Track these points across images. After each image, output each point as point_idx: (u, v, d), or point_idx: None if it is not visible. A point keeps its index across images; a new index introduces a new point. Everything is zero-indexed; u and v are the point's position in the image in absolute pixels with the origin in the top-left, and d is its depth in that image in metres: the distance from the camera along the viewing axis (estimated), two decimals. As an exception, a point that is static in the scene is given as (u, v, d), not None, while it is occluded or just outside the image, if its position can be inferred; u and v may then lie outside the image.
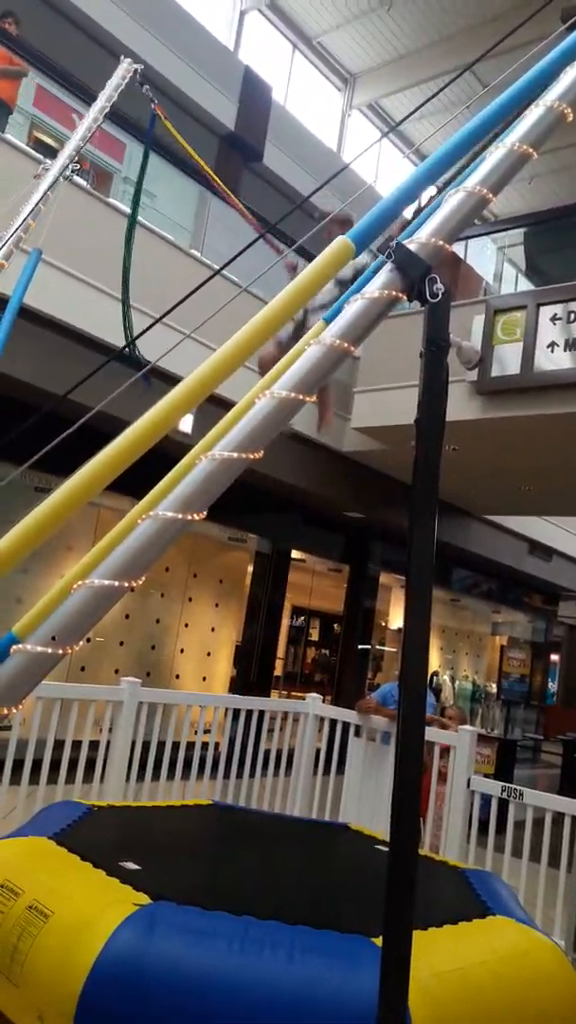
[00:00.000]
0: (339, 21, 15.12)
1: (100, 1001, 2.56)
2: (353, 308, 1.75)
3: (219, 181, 7.64)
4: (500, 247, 11.62)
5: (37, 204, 4.40)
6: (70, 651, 1.54)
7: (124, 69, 5.17)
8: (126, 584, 1.55)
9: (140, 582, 1.58)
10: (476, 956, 2.95)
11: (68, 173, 4.70)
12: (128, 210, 7.92)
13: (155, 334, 3.22)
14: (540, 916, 4.80)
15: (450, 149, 2.02)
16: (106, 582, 1.54)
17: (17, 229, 4.25)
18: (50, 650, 1.50)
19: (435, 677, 15.59)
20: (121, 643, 9.37)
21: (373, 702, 6.34)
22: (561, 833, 4.96)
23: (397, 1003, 1.67)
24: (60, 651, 1.51)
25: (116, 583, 1.54)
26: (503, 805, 5.33)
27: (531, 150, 1.90)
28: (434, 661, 16.01)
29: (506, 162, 1.89)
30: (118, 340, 6.64)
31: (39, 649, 1.49)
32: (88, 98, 8.59)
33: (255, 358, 1.88)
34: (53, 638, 1.50)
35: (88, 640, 8.88)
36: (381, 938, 1.66)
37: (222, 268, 3.30)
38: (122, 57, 5.31)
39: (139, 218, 6.35)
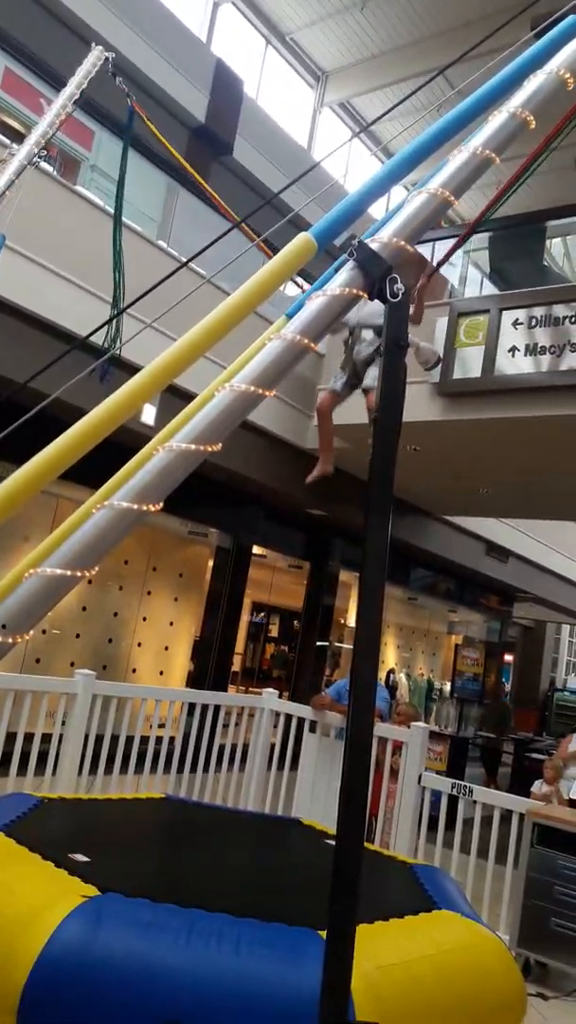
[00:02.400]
0: (313, 18, 15.10)
1: (45, 994, 2.54)
2: (314, 304, 1.76)
3: (198, 177, 7.58)
4: (466, 251, 11.72)
5: (4, 190, 4.34)
6: (20, 640, 1.53)
7: (95, 56, 5.11)
8: (79, 573, 1.55)
9: (93, 572, 1.57)
10: (421, 949, 2.99)
11: (35, 159, 4.64)
12: (96, 199, 7.85)
13: (122, 324, 3.20)
14: (486, 912, 4.88)
15: (415, 150, 2.04)
16: (58, 571, 1.53)
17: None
18: (0, 638, 1.49)
19: (391, 675, 15.73)
20: (77, 636, 9.29)
21: (327, 698, 6.38)
22: (509, 831, 5.04)
23: (339, 995, 1.69)
24: (10, 640, 1.50)
25: (68, 572, 1.53)
26: (453, 802, 5.40)
27: (493, 155, 1.93)
28: (391, 659, 16.14)
29: (469, 166, 1.92)
30: (79, 328, 6.57)
31: (-12, 637, 1.48)
32: (57, 83, 8.48)
33: (216, 350, 1.88)
34: (3, 626, 1.49)
35: (44, 632, 8.78)
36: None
37: (191, 259, 3.28)
38: (93, 44, 5.26)
39: (103, 205, 6.28)
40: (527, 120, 2.01)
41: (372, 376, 3.77)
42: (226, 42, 14.52)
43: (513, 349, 7.53)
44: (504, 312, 7.69)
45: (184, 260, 2.69)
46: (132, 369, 1.99)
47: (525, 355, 7.46)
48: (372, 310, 3.88)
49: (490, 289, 11.37)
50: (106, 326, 5.08)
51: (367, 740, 1.75)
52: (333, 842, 1.67)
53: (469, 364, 7.81)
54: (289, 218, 2.42)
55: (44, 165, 6.33)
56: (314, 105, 16.80)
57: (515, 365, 7.51)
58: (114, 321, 5.13)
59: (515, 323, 7.59)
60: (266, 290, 1.82)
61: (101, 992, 2.57)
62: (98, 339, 4.85)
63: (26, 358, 6.34)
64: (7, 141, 6.43)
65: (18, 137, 6.43)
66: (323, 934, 2.66)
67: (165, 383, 1.78)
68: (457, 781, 5.51)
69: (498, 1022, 3.10)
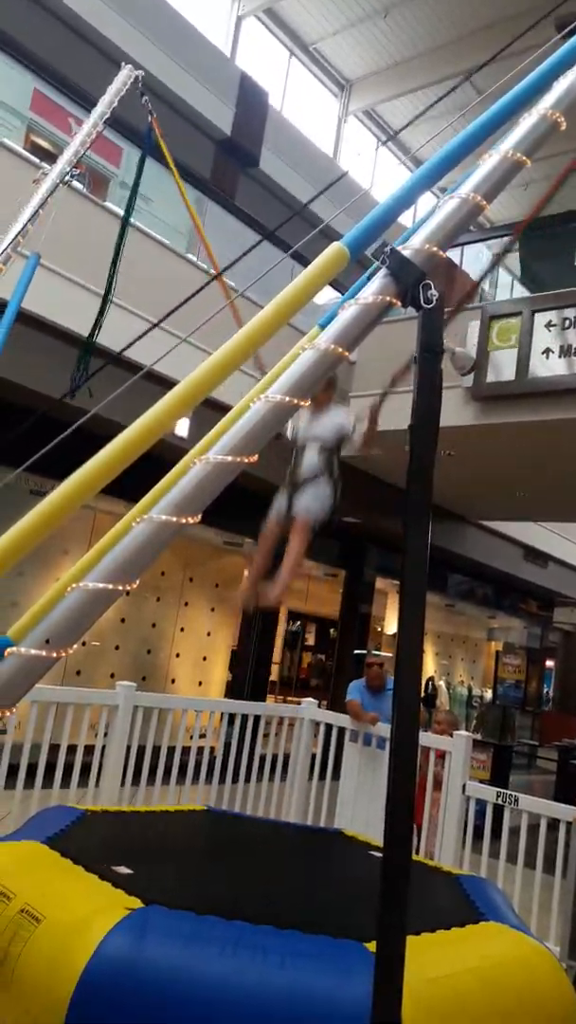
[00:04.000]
0: (336, 28, 15.17)
1: (91, 1006, 2.55)
2: (347, 313, 1.76)
3: (194, 213, 7.47)
4: (495, 253, 11.65)
5: (37, 209, 4.41)
6: (64, 654, 1.54)
7: (125, 75, 5.18)
8: (120, 587, 1.55)
9: (134, 585, 1.58)
10: (468, 962, 2.94)
11: (67, 178, 4.72)
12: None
13: (153, 338, 3.22)
14: (535, 922, 4.80)
15: (445, 156, 2.03)
16: (100, 585, 1.54)
17: (18, 234, 4.26)
18: (44, 653, 1.50)
19: (431, 682, 15.60)
20: (117, 647, 9.35)
21: (358, 706, 6.34)
22: (556, 839, 4.95)
23: (390, 1008, 1.67)
24: (54, 654, 1.51)
25: (110, 586, 1.54)
26: (498, 811, 5.32)
27: (524, 158, 1.91)
28: (430, 666, 16.01)
29: (499, 170, 1.90)
30: (115, 345, 6.63)
31: (33, 652, 1.49)
32: (86, 103, 8.60)
33: (251, 362, 1.88)
34: (47, 641, 1.51)
35: (84, 644, 8.86)
36: (374, 943, 1.66)
37: (219, 274, 3.31)
38: (123, 64, 5.33)
39: (135, 221, 6.34)
40: (558, 121, 1.99)
41: (307, 498, 3.46)
42: (250, 55, 14.64)
43: (547, 351, 7.46)
44: (536, 314, 7.62)
45: (215, 273, 2.71)
46: (165, 383, 2.00)
47: (559, 357, 7.38)
48: (323, 426, 3.59)
49: (521, 291, 11.27)
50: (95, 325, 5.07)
51: (412, 751, 1.74)
52: (377, 854, 1.66)
53: (502, 367, 7.74)
54: (320, 228, 2.42)
55: (76, 184, 6.42)
56: (339, 114, 16.85)
57: (549, 367, 7.43)
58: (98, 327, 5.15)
59: (548, 325, 7.52)
60: (300, 301, 1.82)
61: (146, 1005, 2.57)
62: (134, 352, 4.89)
63: (61, 374, 6.42)
64: (37, 161, 6.53)
65: (48, 157, 6.53)
66: (368, 946, 2.65)
67: (202, 396, 1.79)
68: (502, 790, 5.44)
69: (550, 1036, 3.04)
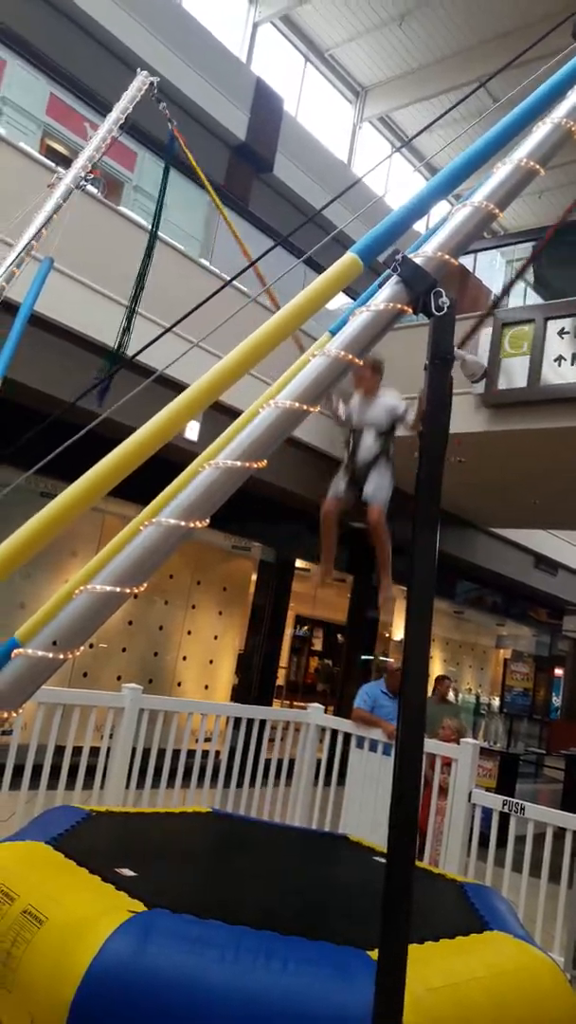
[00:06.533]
0: (351, 34, 15.21)
1: (92, 1008, 2.55)
2: (358, 320, 1.76)
3: (224, 214, 7.59)
4: (509, 261, 11.65)
5: (52, 213, 4.44)
6: (71, 656, 1.55)
7: (140, 81, 5.22)
8: (127, 590, 1.56)
9: (142, 588, 1.59)
10: (471, 971, 2.93)
11: (81, 183, 4.75)
12: (140, 220, 7.98)
13: (165, 342, 3.24)
14: (539, 932, 4.77)
15: (459, 166, 2.03)
16: (107, 588, 1.54)
17: (32, 238, 4.29)
18: (51, 655, 1.50)
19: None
20: (124, 649, 9.37)
21: (366, 713, 6.33)
22: (562, 849, 4.93)
23: (391, 1017, 1.66)
24: (61, 656, 1.52)
25: (118, 589, 1.55)
26: (504, 819, 5.30)
27: (538, 167, 1.91)
28: (437, 673, 15.95)
29: (513, 178, 1.90)
30: (129, 349, 6.66)
31: (40, 654, 1.50)
32: (100, 107, 8.65)
33: (261, 367, 1.89)
34: (54, 643, 1.51)
35: (91, 646, 8.88)
36: (376, 951, 1.66)
37: (231, 280, 3.32)
38: (139, 70, 5.37)
39: (146, 225, 6.38)
40: (572, 130, 1.99)
41: (373, 485, 3.71)
42: (266, 61, 14.70)
43: (559, 359, 7.44)
44: (549, 321, 7.61)
45: (228, 279, 2.72)
46: (176, 386, 2.01)
47: (572, 364, 7.37)
48: (376, 411, 3.85)
49: (534, 299, 11.26)
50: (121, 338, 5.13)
51: (418, 757, 1.73)
52: (382, 859, 1.65)
53: (514, 375, 7.73)
54: (333, 235, 2.43)
55: (90, 188, 6.47)
56: (354, 120, 16.89)
57: (561, 375, 7.42)
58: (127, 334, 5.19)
59: (561, 332, 7.50)
60: (311, 309, 1.82)
61: (147, 1008, 2.57)
62: (145, 356, 4.91)
63: (71, 376, 6.46)
64: (52, 165, 6.58)
65: (63, 162, 6.58)
66: (371, 954, 2.64)
67: (211, 400, 1.80)
68: (508, 798, 5.41)
69: (553, 1048, 3.02)
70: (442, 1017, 2.65)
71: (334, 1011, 2.53)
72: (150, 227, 6.03)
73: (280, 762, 6.45)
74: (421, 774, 1.74)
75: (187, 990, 2.57)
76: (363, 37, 15.19)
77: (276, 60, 15.07)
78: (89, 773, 5.19)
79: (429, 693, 7.05)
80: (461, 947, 3.13)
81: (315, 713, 6.70)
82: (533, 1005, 2.98)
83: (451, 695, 9.72)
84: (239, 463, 1.63)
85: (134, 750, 5.32)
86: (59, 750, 5.00)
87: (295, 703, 12.64)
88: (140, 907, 2.88)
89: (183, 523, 1.58)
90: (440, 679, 8.95)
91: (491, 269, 11.76)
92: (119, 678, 8.75)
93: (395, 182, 16.87)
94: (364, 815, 5.89)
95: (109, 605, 1.55)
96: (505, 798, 5.43)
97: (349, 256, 1.83)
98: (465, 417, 7.72)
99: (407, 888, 1.65)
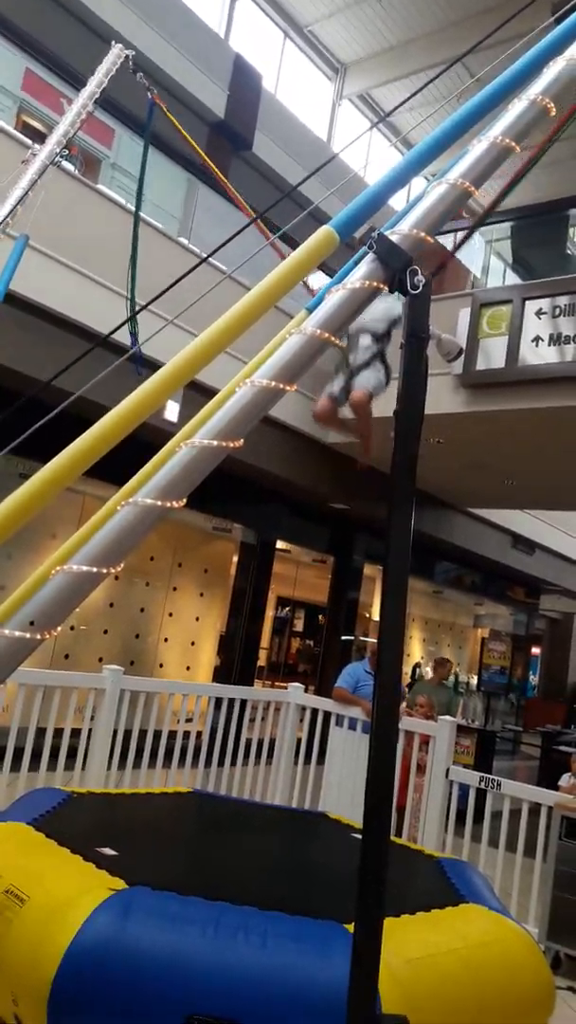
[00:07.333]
0: (331, 10, 15.03)
1: (73, 985, 2.57)
2: (334, 298, 1.76)
3: (216, 170, 7.59)
4: (488, 240, 11.63)
5: (27, 191, 4.37)
6: (49, 636, 1.54)
7: (115, 55, 5.12)
8: (104, 570, 1.56)
9: (119, 568, 1.59)
10: (448, 943, 2.98)
11: (56, 159, 4.67)
12: (118, 198, 7.89)
13: (142, 321, 3.21)
14: (515, 905, 4.86)
15: (435, 140, 2.02)
16: (84, 568, 1.54)
17: (7, 216, 4.22)
18: (28, 635, 1.50)
19: (417, 668, 15.69)
20: (105, 631, 9.36)
21: (346, 692, 6.37)
22: (537, 823, 5.01)
23: (367, 988, 1.69)
24: (39, 636, 1.52)
25: (95, 569, 1.54)
26: (481, 795, 5.38)
27: (514, 144, 1.91)
28: (416, 652, 16.09)
29: (488, 155, 1.90)
30: (102, 326, 6.60)
31: (17, 634, 1.49)
32: (77, 83, 8.49)
33: (236, 346, 1.88)
34: (32, 623, 1.51)
35: (72, 628, 8.86)
36: (353, 924, 1.68)
37: (210, 255, 3.29)
38: (113, 42, 5.27)
39: (125, 204, 6.31)
40: (547, 107, 1.98)
41: (364, 377, 3.73)
42: (244, 36, 14.49)
43: (537, 339, 7.46)
44: (527, 301, 7.62)
45: (203, 256, 2.70)
46: (154, 366, 2.00)
47: (549, 345, 7.39)
48: (373, 315, 3.84)
49: (513, 279, 11.27)
50: (129, 322, 5.09)
51: (392, 734, 1.75)
52: (359, 836, 1.67)
53: (492, 355, 7.74)
54: (309, 211, 2.41)
55: (66, 164, 6.37)
56: (333, 98, 16.73)
57: (539, 355, 7.44)
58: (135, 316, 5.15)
59: (538, 312, 7.52)
60: (287, 284, 1.81)
61: (129, 984, 2.60)
62: (121, 336, 4.88)
63: (48, 356, 6.39)
64: (28, 141, 6.47)
65: (40, 137, 6.47)
66: (349, 927, 2.67)
67: (187, 379, 1.79)
68: (485, 775, 5.49)
69: (527, 1016, 3.09)
70: (419, 987, 2.70)
71: (313, 984, 2.57)
72: (131, 207, 5.98)
73: (261, 742, 6.50)
74: (396, 748, 1.76)
75: (167, 965, 2.60)
76: (342, 12, 15.01)
77: (255, 36, 14.86)
78: (71, 755, 5.21)
79: (429, 675, 7.18)
80: (438, 920, 3.19)
81: (295, 693, 6.75)
82: (508, 975, 3.05)
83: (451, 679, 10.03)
84: (215, 442, 1.63)
85: (115, 731, 5.33)
86: (41, 732, 5.00)
87: (276, 683, 12.70)
88: (121, 885, 2.91)
89: (160, 503, 1.58)
90: (441, 662, 9.21)
91: (470, 249, 11.73)
92: (101, 660, 8.74)
93: (374, 160, 16.75)
94: (343, 793, 5.96)
95: (86, 585, 1.55)
96: (482, 774, 5.52)
97: (325, 229, 1.82)
98: (442, 397, 7.73)
99: (382, 861, 1.68)
